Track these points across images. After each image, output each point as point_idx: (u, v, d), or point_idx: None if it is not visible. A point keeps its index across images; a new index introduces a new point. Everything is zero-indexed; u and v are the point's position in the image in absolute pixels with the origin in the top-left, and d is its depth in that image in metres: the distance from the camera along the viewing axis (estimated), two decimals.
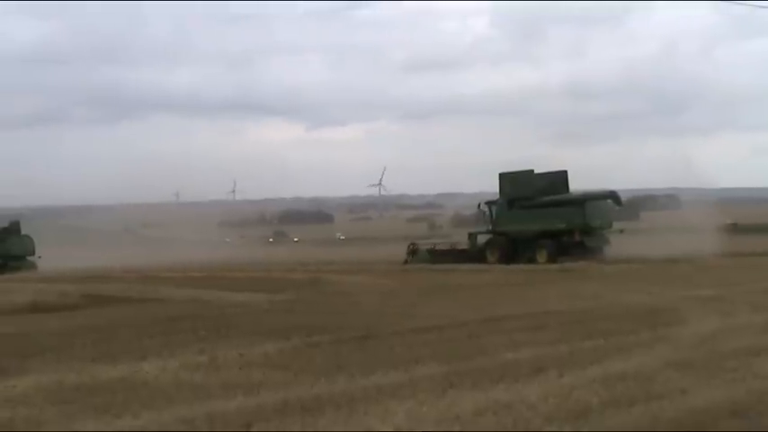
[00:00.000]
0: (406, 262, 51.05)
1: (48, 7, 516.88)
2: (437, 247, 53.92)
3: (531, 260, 46.28)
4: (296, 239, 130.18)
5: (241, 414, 10.03)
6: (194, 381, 12.59)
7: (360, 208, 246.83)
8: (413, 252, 52.65)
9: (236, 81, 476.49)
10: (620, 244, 47.99)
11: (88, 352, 16.17)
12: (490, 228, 50.44)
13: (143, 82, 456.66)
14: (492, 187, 52.59)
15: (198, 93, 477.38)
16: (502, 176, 50.97)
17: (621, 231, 50.58)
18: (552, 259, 45.77)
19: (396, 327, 18.76)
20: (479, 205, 52.20)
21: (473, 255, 49.30)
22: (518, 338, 16.20)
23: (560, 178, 50.41)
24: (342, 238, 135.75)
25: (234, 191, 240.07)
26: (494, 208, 50.67)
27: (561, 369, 12.35)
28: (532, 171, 51.04)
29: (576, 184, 51.63)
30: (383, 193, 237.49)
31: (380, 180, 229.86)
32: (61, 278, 44.62)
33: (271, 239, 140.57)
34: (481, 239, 50.70)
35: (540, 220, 48.02)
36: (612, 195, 50.25)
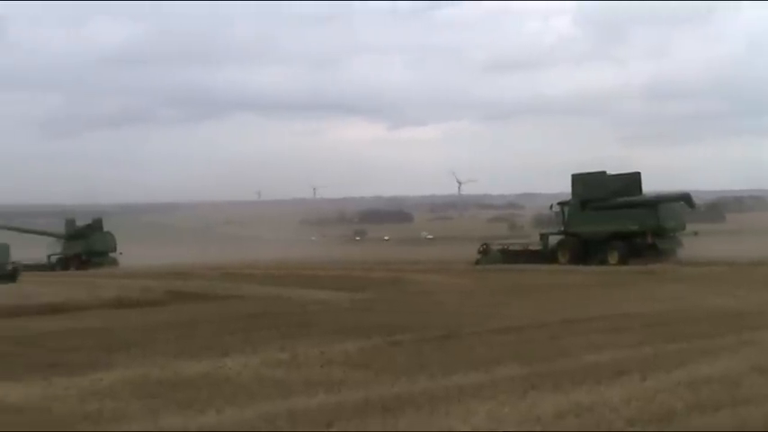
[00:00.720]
0: (477, 262, 50.97)
1: (135, 8, 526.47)
2: (509, 248, 53.91)
3: (603, 262, 45.86)
4: (386, 238, 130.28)
5: (322, 412, 10.07)
6: (276, 377, 12.69)
7: (440, 207, 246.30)
8: (484, 252, 52.62)
9: (319, 81, 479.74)
10: (702, 246, 47.24)
11: (171, 347, 16.41)
12: (562, 229, 50.23)
13: (227, 82, 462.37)
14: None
15: (280, 92, 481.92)
16: (575, 178, 50.70)
17: (695, 234, 49.78)
18: (624, 261, 45.31)
19: (476, 327, 18.70)
20: (552, 206, 52.04)
21: (545, 255, 49.10)
22: (598, 340, 16.03)
23: (633, 180, 49.86)
24: (429, 237, 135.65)
25: (315, 189, 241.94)
26: (566, 209, 50.43)
27: (644, 372, 12.19)
28: (605, 172, 50.65)
29: (656, 186, 51.05)
30: (463, 192, 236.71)
31: (461, 181, 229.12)
32: (144, 274, 45.37)
33: (358, 238, 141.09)
34: (553, 240, 50.51)
35: (613, 222, 47.61)
36: (685, 197, 49.55)
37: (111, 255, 73.63)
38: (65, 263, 72.84)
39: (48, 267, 69.74)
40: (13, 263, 46.71)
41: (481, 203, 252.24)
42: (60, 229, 78.61)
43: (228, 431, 9.42)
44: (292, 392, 11.42)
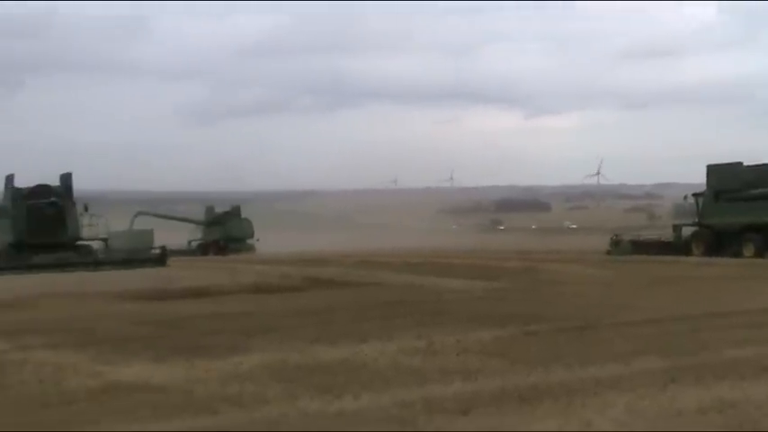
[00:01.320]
0: (608, 252, 50.46)
1: (274, 1, 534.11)
2: (640, 239, 53.37)
3: (737, 254, 44.75)
4: (534, 227, 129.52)
5: (458, 400, 10.07)
6: (412, 365, 12.75)
7: (576, 197, 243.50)
8: (616, 243, 52.19)
9: (455, 69, 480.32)
10: None
11: (309, 333, 16.63)
12: (696, 220, 49.34)
13: (363, 71, 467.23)
14: None
15: (417, 81, 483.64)
16: (709, 169, 49.89)
17: None
18: (759, 253, 44.17)
19: (613, 318, 18.44)
20: (686, 197, 51.28)
21: (677, 247, 48.40)
22: (739, 335, 15.59)
23: None
24: (572, 227, 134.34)
25: (451, 178, 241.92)
26: (700, 200, 49.51)
27: None
28: (741, 163, 49.54)
29: None
30: (601, 182, 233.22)
31: (598, 170, 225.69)
32: (281, 261, 46.17)
33: (502, 227, 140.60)
34: (686, 232, 49.72)
35: (748, 214, 46.44)
36: None
37: (249, 241, 75.38)
38: (204, 248, 74.90)
39: (188, 253, 71.77)
40: (162, 247, 48.08)
41: (618, 193, 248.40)
42: (200, 215, 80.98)
43: (364, 418, 9.50)
44: (428, 380, 11.46)
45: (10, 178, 46.32)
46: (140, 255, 47.80)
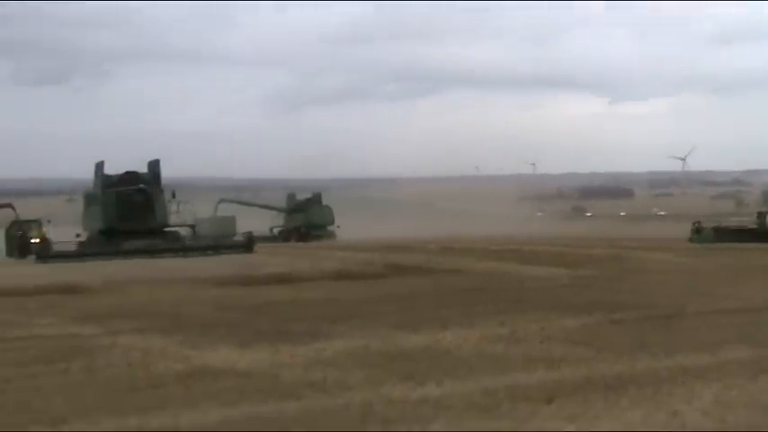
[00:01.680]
0: (690, 240, 49.70)
1: None
2: (723, 226, 52.45)
3: None
4: (622, 213, 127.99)
5: (542, 388, 10.00)
6: (495, 352, 12.70)
7: (661, 184, 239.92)
8: (697, 230, 51.35)
9: (539, 55, 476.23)
10: None
11: (392, 319, 16.67)
12: None
13: (447, 58, 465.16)
14: None
15: (500, 67, 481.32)
16: None
17: None
18: None
19: (700, 307, 18.15)
20: None
21: (761, 234, 47.32)
22: None
23: None
24: (661, 213, 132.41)
25: (533, 165, 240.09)
26: None
27: None
28: None
29: None
30: (686, 169, 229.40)
31: (686, 156, 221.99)
32: (363, 247, 46.26)
33: (589, 214, 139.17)
34: None
35: None
36: None
37: (329, 228, 75.85)
38: (286, 235, 75.59)
39: (270, 239, 72.42)
40: (248, 233, 48.40)
41: (704, 180, 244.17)
42: (282, 202, 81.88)
43: (449, 404, 9.47)
44: (512, 367, 11.41)
45: (100, 166, 46.68)
46: (227, 241, 48.09)
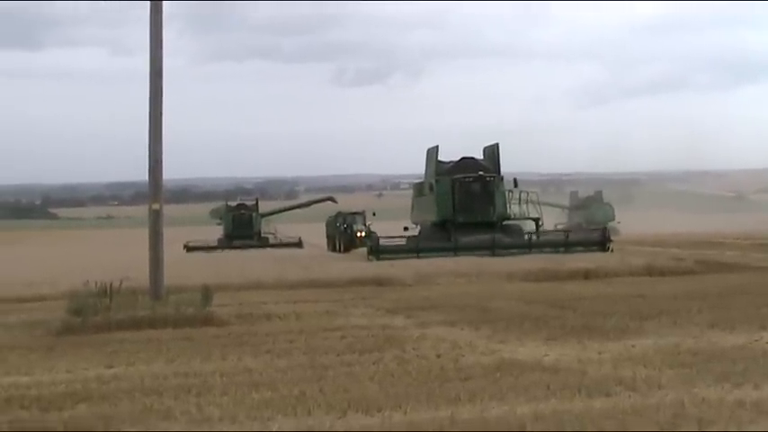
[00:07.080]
0: None
1: None
2: None
3: None
4: None
5: None
6: None
7: None
8: None
9: None
10: None
11: (704, 317, 16.12)
12: None
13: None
14: None
15: None
16: None
17: None
18: None
19: None
20: None
21: None
22: None
23: None
24: None
25: None
26: None
27: None
28: None
29: None
30: None
31: None
32: (672, 243, 44.96)
33: None
34: None
35: None
36: None
37: (610, 224, 76.03)
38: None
39: None
40: (603, 228, 43.50)
41: None
42: (565, 200, 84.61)
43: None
44: None
45: (433, 151, 42.32)
46: (579, 237, 42.50)
